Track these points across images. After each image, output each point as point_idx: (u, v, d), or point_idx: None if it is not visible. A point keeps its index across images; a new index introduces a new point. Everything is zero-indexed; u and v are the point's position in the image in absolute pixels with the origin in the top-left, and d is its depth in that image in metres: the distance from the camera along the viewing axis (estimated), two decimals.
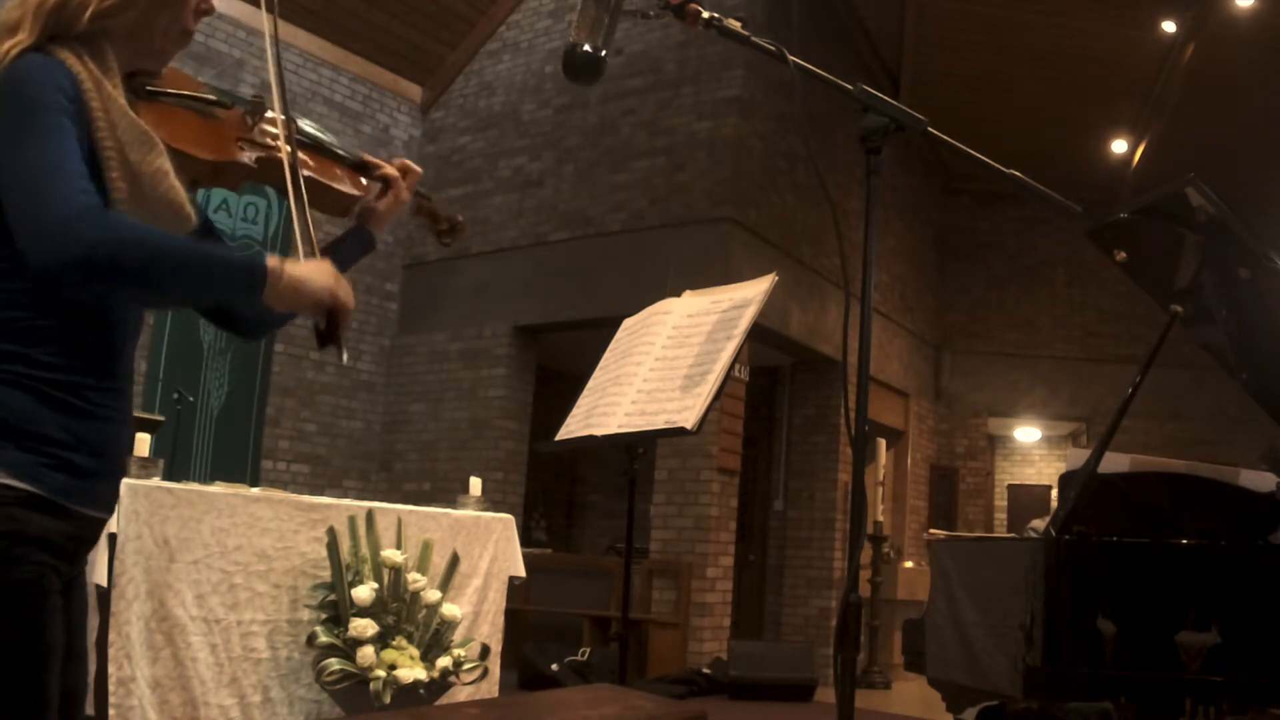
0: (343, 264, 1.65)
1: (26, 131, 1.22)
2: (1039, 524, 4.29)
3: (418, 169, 1.74)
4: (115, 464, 1.38)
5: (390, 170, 1.69)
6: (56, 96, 1.24)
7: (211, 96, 1.48)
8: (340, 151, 1.65)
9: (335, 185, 1.60)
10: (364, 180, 1.65)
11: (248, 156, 1.48)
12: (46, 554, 1.25)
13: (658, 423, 2.49)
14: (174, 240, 1.30)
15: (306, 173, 1.53)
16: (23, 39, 1.27)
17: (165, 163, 1.33)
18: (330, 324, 1.39)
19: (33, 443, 1.25)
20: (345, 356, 1.42)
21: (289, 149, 1.48)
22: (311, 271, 1.37)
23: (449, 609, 3.90)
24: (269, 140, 1.51)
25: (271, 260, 1.32)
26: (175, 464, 5.91)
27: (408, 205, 1.73)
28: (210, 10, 1.42)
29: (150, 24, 1.36)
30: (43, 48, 1.28)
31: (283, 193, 1.49)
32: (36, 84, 1.24)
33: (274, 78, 1.49)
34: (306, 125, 1.61)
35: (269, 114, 1.53)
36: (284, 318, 1.59)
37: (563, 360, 8.65)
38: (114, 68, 1.33)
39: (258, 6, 1.61)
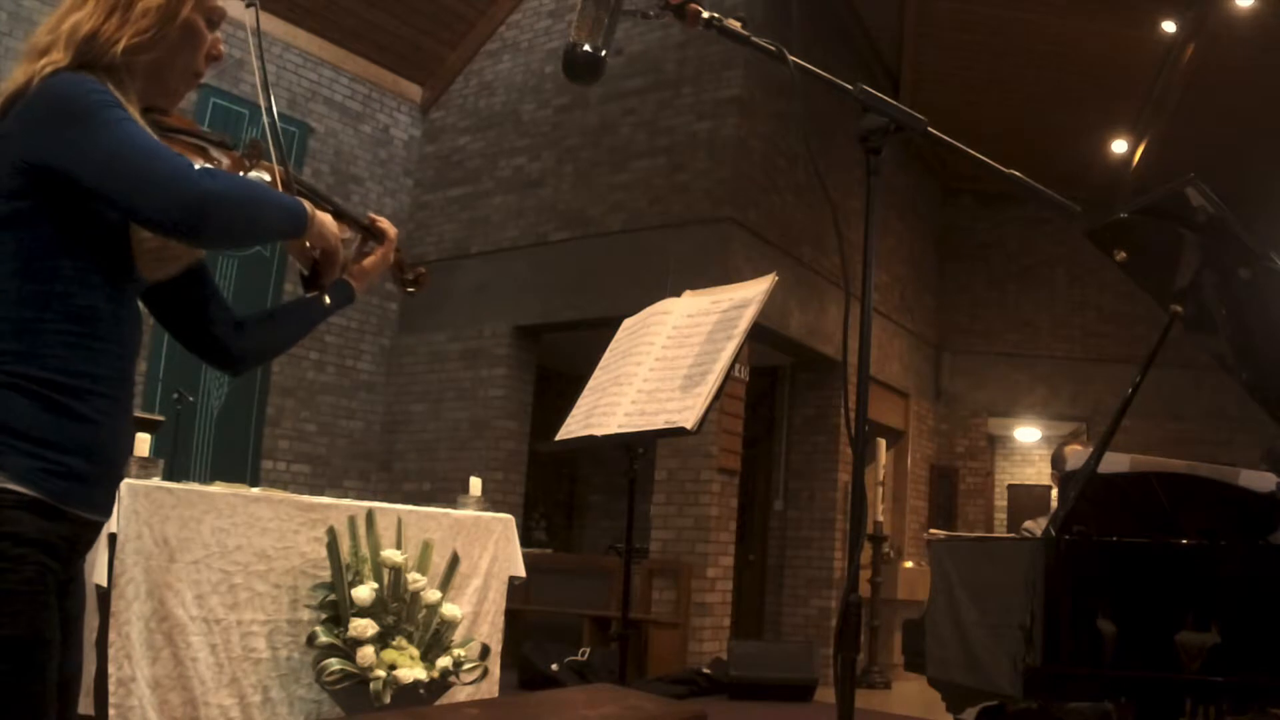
0: (321, 314, 1.73)
1: (97, 125, 1.27)
2: (1032, 525, 4.30)
3: (393, 228, 1.81)
4: (113, 469, 1.40)
5: (384, 224, 1.76)
6: (107, 97, 1.31)
7: (214, 137, 1.58)
8: (326, 200, 1.75)
9: None
10: (349, 230, 1.75)
11: None
12: (44, 555, 1.27)
13: (658, 423, 2.49)
14: (257, 185, 1.46)
15: None
16: (57, 58, 1.32)
17: None
18: (314, 271, 1.64)
19: (32, 447, 1.26)
20: (327, 299, 1.66)
21: (284, 185, 1.61)
22: (328, 219, 1.57)
23: (449, 609, 3.90)
24: (266, 179, 1.61)
25: (306, 203, 1.51)
26: (175, 464, 5.90)
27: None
28: (219, 56, 1.53)
29: (169, 64, 1.45)
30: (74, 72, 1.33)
31: None
32: (87, 90, 1.30)
33: (269, 128, 1.61)
34: (301, 175, 1.72)
35: (264, 161, 1.63)
36: (266, 355, 1.70)
37: (563, 360, 8.66)
38: (134, 99, 1.39)
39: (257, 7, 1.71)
